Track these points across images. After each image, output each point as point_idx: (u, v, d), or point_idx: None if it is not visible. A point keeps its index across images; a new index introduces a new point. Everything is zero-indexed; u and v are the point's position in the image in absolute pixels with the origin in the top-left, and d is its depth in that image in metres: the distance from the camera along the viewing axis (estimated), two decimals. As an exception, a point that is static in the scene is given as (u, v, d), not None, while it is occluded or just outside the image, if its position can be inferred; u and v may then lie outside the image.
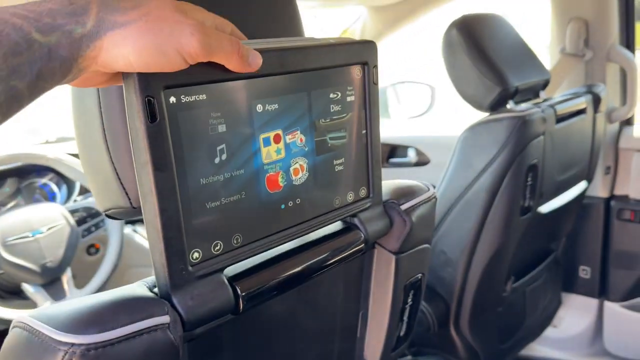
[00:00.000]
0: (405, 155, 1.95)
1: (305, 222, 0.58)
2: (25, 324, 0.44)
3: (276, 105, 0.52)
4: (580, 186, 1.51)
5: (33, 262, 1.31)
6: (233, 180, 0.50)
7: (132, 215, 0.55)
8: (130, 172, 0.50)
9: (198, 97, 0.46)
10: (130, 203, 0.52)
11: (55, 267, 1.34)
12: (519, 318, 1.55)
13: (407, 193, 0.71)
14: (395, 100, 2.13)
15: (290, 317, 0.65)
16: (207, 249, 0.49)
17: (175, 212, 0.45)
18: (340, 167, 0.61)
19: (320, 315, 0.70)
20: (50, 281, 1.35)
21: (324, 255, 0.60)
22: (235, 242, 0.51)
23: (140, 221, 1.50)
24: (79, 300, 0.46)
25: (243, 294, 0.51)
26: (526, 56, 1.36)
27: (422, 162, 1.91)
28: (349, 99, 0.60)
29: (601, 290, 1.76)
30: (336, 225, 0.64)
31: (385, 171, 1.94)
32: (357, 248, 0.64)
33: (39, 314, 0.44)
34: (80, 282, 1.43)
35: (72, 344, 0.41)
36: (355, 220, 0.65)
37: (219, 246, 0.50)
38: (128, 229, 1.59)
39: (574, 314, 1.79)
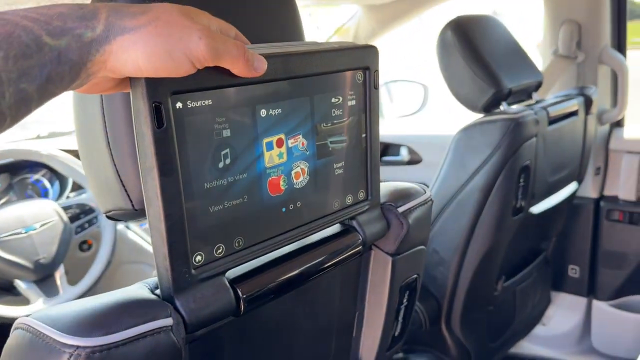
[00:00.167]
0: (397, 154, 1.96)
1: (305, 225, 0.59)
2: (29, 325, 0.44)
3: (279, 110, 0.53)
4: (571, 187, 1.53)
5: (26, 259, 1.30)
6: (236, 184, 0.50)
7: (133, 217, 0.55)
8: (133, 175, 0.51)
9: (204, 103, 0.46)
10: (132, 205, 0.52)
11: (48, 264, 1.34)
12: (509, 316, 1.57)
13: (404, 196, 0.72)
14: (388, 99, 2.14)
15: (288, 318, 0.66)
16: (209, 252, 0.49)
17: (180, 216, 0.46)
18: (340, 171, 0.61)
19: (318, 315, 0.70)
20: (43, 277, 1.35)
21: (322, 258, 0.61)
22: (237, 245, 0.51)
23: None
24: (82, 301, 0.46)
25: (244, 296, 0.51)
26: (519, 58, 1.37)
27: (414, 160, 1.92)
28: (350, 103, 0.60)
29: (590, 289, 1.78)
30: (335, 228, 0.65)
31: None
32: (355, 250, 0.65)
33: (42, 316, 0.44)
34: (73, 278, 1.43)
35: (77, 347, 0.41)
36: (354, 223, 0.65)
37: (221, 249, 0.50)
38: (121, 226, 1.59)
39: (563, 313, 1.82)
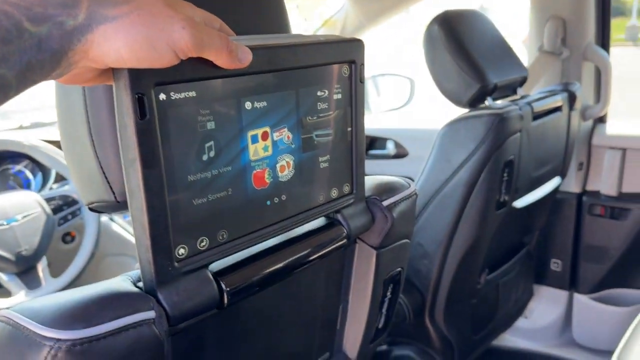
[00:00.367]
0: (384, 148, 1.96)
1: (290, 218, 0.59)
2: (9, 318, 0.43)
3: (265, 103, 0.53)
4: (554, 182, 1.55)
5: (7, 251, 1.29)
6: (220, 177, 0.50)
7: (116, 210, 0.55)
8: (115, 167, 0.50)
9: (187, 94, 0.46)
10: (115, 197, 0.52)
11: (31, 256, 1.32)
12: (492, 309, 1.59)
13: (389, 189, 0.72)
14: (375, 93, 2.14)
15: (272, 310, 0.66)
16: (193, 245, 0.49)
17: (163, 209, 0.45)
18: (325, 164, 0.61)
19: (302, 308, 0.71)
20: (25, 270, 1.34)
21: (307, 251, 0.61)
22: (220, 238, 0.51)
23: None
24: (64, 294, 0.46)
25: (228, 289, 0.51)
26: (505, 53, 1.38)
27: (400, 154, 1.92)
28: (335, 96, 0.60)
29: (571, 282, 1.81)
30: (320, 221, 0.65)
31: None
32: (339, 243, 0.65)
33: (23, 309, 0.44)
34: (56, 270, 1.42)
35: (58, 340, 0.41)
36: (338, 216, 0.66)
37: (204, 242, 0.50)
38: (105, 218, 1.58)
39: (545, 306, 1.84)
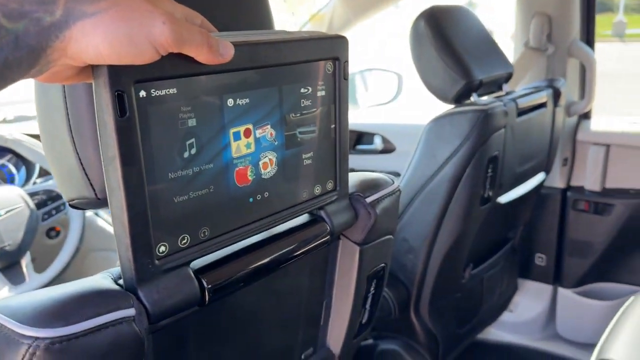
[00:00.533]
0: (371, 143, 1.97)
1: (273, 215, 0.59)
2: None
3: (247, 100, 0.53)
4: (539, 177, 1.57)
5: (-10, 246, 1.28)
6: (202, 175, 0.50)
7: (97, 206, 0.54)
8: (95, 164, 0.50)
9: (168, 91, 0.45)
10: (95, 194, 0.52)
11: (14, 251, 1.31)
12: (476, 303, 1.60)
13: (372, 186, 0.72)
14: (362, 88, 2.14)
15: (255, 307, 0.66)
16: (173, 242, 0.49)
17: (143, 206, 0.45)
18: (309, 161, 0.62)
19: (285, 304, 0.71)
20: (9, 265, 1.33)
21: (290, 247, 0.61)
22: (202, 235, 0.51)
23: (103, 205, 1.47)
24: (43, 291, 0.45)
25: (209, 286, 0.51)
26: (491, 49, 1.38)
27: (387, 149, 1.93)
28: (319, 93, 0.60)
29: (555, 277, 1.83)
30: (303, 218, 0.65)
31: (351, 158, 1.96)
32: (322, 240, 0.65)
33: (2, 307, 0.43)
34: (40, 265, 1.40)
35: (36, 338, 0.40)
36: (322, 213, 0.66)
37: (185, 240, 0.50)
38: (90, 213, 1.57)
39: (529, 300, 1.87)
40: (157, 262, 0.48)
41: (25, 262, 1.36)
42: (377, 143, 1.95)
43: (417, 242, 1.33)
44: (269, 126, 0.55)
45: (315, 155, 0.62)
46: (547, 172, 1.62)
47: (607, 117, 1.82)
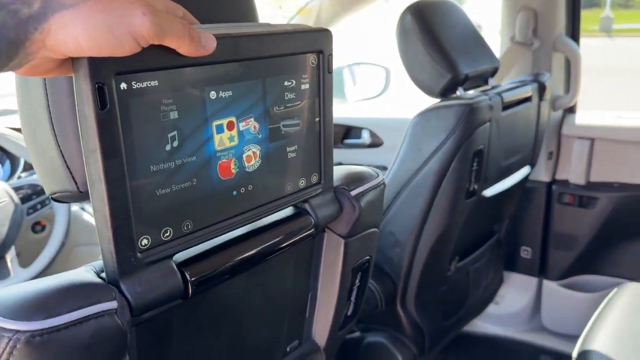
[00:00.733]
0: (359, 137, 1.97)
1: (257, 208, 0.59)
2: None
3: (230, 92, 0.53)
4: (524, 171, 1.58)
5: (-26, 241, 1.26)
6: (184, 167, 0.50)
7: (79, 200, 0.54)
8: (77, 157, 0.50)
9: (149, 84, 0.45)
10: (77, 187, 0.52)
11: (-2, 246, 1.30)
12: (462, 296, 1.61)
13: (357, 179, 0.73)
14: (351, 82, 2.14)
15: (240, 299, 0.66)
16: (156, 235, 0.49)
17: (124, 199, 0.45)
18: (293, 154, 0.62)
19: (271, 297, 0.71)
20: (-7, 260, 1.31)
21: (274, 240, 0.62)
22: (185, 228, 0.51)
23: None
24: (25, 285, 0.45)
25: (192, 279, 0.51)
26: (477, 44, 1.39)
27: (375, 143, 1.94)
28: (303, 86, 0.61)
29: (541, 269, 1.85)
30: (287, 211, 0.66)
31: (339, 152, 1.96)
32: (307, 233, 0.65)
33: None
34: (25, 260, 1.39)
35: (17, 331, 0.40)
36: (306, 206, 0.66)
37: (168, 233, 0.50)
38: (75, 207, 1.56)
39: (515, 292, 1.88)
40: (139, 255, 0.48)
41: (10, 257, 1.34)
42: (365, 137, 1.95)
43: (403, 235, 1.33)
44: (252, 119, 0.56)
45: (299, 148, 0.62)
46: (532, 165, 1.63)
47: (591, 112, 1.83)
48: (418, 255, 1.34)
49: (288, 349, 0.78)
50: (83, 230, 1.56)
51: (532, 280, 1.86)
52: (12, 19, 0.36)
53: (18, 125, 1.46)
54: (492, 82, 1.43)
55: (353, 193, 0.71)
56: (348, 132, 1.99)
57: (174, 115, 0.48)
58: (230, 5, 0.65)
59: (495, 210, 1.62)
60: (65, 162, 0.51)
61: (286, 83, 0.58)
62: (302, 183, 0.64)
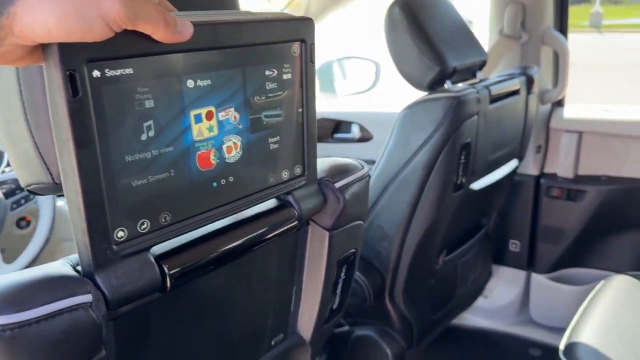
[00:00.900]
0: (349, 131, 1.97)
1: (238, 200, 0.58)
2: None
3: (209, 81, 0.51)
4: (511, 164, 1.58)
5: (-44, 236, 1.25)
6: (161, 158, 0.49)
7: (55, 191, 0.53)
8: (52, 148, 0.49)
9: (124, 72, 0.44)
10: (52, 179, 0.50)
11: (-19, 241, 1.28)
12: (450, 289, 1.62)
13: (341, 171, 0.72)
14: (341, 76, 2.13)
15: (222, 293, 0.65)
16: (132, 227, 0.48)
17: (98, 190, 0.44)
18: (276, 145, 0.61)
19: (254, 290, 0.70)
20: (-24, 256, 1.30)
21: (256, 233, 0.61)
22: (163, 220, 0.50)
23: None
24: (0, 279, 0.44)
25: (171, 272, 0.50)
26: (465, 37, 1.39)
27: (365, 138, 1.93)
28: (285, 76, 0.60)
29: (529, 262, 1.86)
30: (270, 203, 0.65)
31: (329, 146, 1.95)
32: (290, 225, 0.65)
33: None
34: (9, 256, 1.37)
35: None
36: (289, 198, 0.65)
37: (145, 225, 0.49)
38: (60, 202, 1.54)
39: (504, 285, 1.89)
40: (115, 247, 0.47)
41: (-6, 252, 1.33)
42: (355, 131, 1.95)
43: (391, 229, 1.33)
44: (232, 109, 0.55)
45: (282, 139, 0.61)
46: (520, 159, 1.63)
47: (580, 104, 1.84)
48: (406, 249, 1.33)
49: (273, 343, 0.77)
50: (68, 225, 1.54)
51: (521, 274, 1.87)
52: None
53: None
54: (480, 75, 1.43)
55: (337, 185, 0.70)
56: (338, 127, 1.99)
57: (149, 104, 0.47)
58: None
59: (484, 203, 1.62)
60: (40, 153, 0.50)
61: (267, 72, 0.57)
62: (285, 175, 0.63)
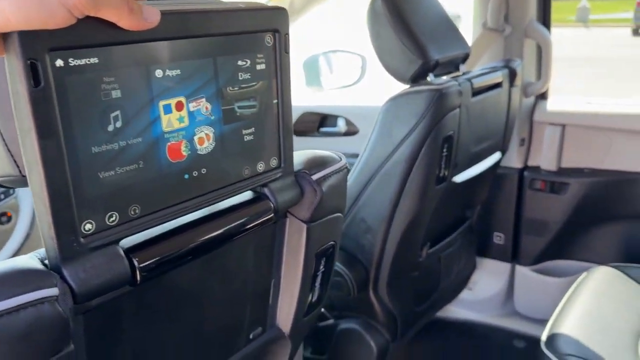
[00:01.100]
0: (334, 125, 1.96)
1: (212, 192, 0.57)
2: None
3: (178, 71, 0.51)
4: (494, 157, 1.59)
5: None
6: (129, 149, 0.48)
7: (23, 184, 0.52)
8: (18, 139, 0.48)
9: (89, 61, 0.43)
10: (20, 171, 0.50)
11: (-40, 237, 1.27)
12: (434, 282, 1.62)
13: (318, 163, 0.71)
14: (327, 70, 2.13)
15: (198, 286, 0.65)
16: (101, 220, 0.47)
17: (64, 182, 0.43)
18: (250, 137, 0.60)
19: (230, 283, 0.70)
20: (-45, 252, 1.28)
21: (230, 225, 0.60)
22: (132, 213, 0.50)
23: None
24: None
25: (140, 265, 0.50)
26: (448, 30, 1.39)
27: (351, 132, 1.93)
28: (258, 67, 0.59)
29: (513, 255, 1.87)
30: (246, 195, 0.64)
31: (315, 140, 1.95)
32: (266, 217, 0.64)
33: None
34: (-10, 252, 1.36)
35: None
36: (265, 190, 0.65)
37: (114, 217, 0.48)
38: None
39: (488, 278, 1.90)
40: (82, 240, 0.46)
41: (-27, 248, 1.31)
42: (341, 125, 1.94)
43: (374, 222, 1.33)
44: (204, 99, 0.54)
45: (256, 131, 0.61)
46: (504, 152, 1.64)
47: (562, 97, 1.85)
48: (389, 242, 1.34)
49: (251, 336, 0.77)
50: None
51: (505, 266, 1.88)
52: None
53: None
54: (463, 68, 1.43)
55: (314, 177, 0.70)
56: (324, 121, 1.98)
57: (116, 94, 0.46)
58: None
59: (467, 196, 1.63)
60: (6, 145, 0.49)
61: (240, 63, 0.57)
62: (260, 167, 0.63)
